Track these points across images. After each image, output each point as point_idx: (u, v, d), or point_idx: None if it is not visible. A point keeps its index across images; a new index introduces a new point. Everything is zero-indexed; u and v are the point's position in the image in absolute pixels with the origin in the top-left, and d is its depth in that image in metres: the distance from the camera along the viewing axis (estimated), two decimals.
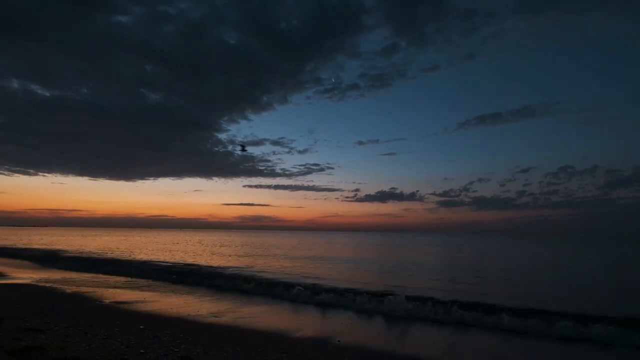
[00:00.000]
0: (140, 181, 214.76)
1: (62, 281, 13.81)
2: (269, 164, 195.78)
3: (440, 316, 9.05)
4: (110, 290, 12.18)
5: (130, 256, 25.52)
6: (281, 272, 17.26)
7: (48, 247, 31.87)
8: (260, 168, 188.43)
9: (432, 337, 7.62)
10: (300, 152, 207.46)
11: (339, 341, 6.85)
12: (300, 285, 12.41)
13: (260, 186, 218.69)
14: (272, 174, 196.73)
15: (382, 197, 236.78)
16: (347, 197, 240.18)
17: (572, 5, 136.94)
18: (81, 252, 27.40)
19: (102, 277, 15.52)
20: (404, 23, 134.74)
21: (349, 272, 18.34)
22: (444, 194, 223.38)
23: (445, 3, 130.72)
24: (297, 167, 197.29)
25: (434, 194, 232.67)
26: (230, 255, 28.05)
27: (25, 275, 15.21)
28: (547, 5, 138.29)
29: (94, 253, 27.13)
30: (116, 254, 26.87)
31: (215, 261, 22.74)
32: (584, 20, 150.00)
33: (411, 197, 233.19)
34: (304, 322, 8.57)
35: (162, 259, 23.81)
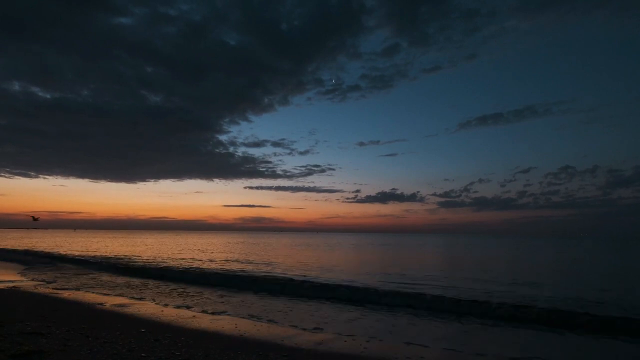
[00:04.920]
0: (141, 183, 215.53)
1: (64, 284, 13.82)
2: (270, 165, 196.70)
3: None
4: (112, 293, 12.17)
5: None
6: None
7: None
8: (261, 169, 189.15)
9: None
10: (301, 153, 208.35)
11: (345, 341, 6.84)
12: None
13: (261, 187, 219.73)
14: (273, 175, 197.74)
15: (382, 198, 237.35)
16: (347, 198, 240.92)
17: (573, 5, 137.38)
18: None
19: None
20: (405, 23, 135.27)
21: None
22: (445, 194, 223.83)
23: (446, 3, 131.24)
24: (298, 168, 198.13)
25: (434, 194, 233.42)
26: None
27: (29, 278, 15.22)
28: (548, 5, 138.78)
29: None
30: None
31: None
32: (585, 20, 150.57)
33: (412, 198, 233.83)
34: None
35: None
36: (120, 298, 11.16)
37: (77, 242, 51.24)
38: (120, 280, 15.59)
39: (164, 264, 21.35)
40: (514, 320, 8.96)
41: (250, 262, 23.76)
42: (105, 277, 16.39)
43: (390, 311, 10.10)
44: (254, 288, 13.43)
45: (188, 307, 9.95)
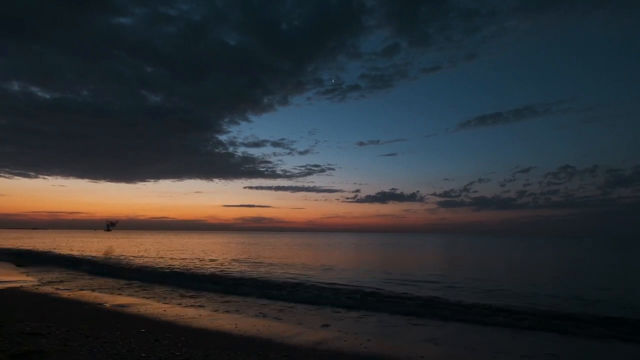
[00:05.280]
0: (141, 183, 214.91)
1: (63, 284, 13.81)
2: (270, 165, 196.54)
3: None
4: (112, 293, 12.16)
5: None
6: None
7: None
8: (261, 169, 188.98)
9: None
10: (300, 153, 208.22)
11: (345, 341, 6.84)
12: None
13: (261, 187, 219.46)
14: (273, 175, 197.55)
15: (382, 197, 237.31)
16: (347, 198, 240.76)
17: (573, 5, 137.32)
18: None
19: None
20: (405, 23, 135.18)
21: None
22: (445, 194, 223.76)
23: (446, 3, 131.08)
24: (298, 168, 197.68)
25: (434, 194, 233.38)
26: None
27: (28, 278, 15.21)
28: (548, 4, 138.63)
29: None
30: None
31: None
32: (584, 20, 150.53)
33: (411, 197, 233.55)
34: None
35: None
36: (121, 298, 11.15)
37: (78, 243, 51.23)
38: (121, 281, 15.59)
39: (166, 265, 21.34)
40: (515, 323, 8.91)
41: (255, 263, 23.75)
42: (105, 278, 16.39)
43: (391, 312, 10.08)
44: (255, 290, 13.39)
45: (188, 308, 9.95)
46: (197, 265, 21.11)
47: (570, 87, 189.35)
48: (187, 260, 24.44)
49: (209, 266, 20.94)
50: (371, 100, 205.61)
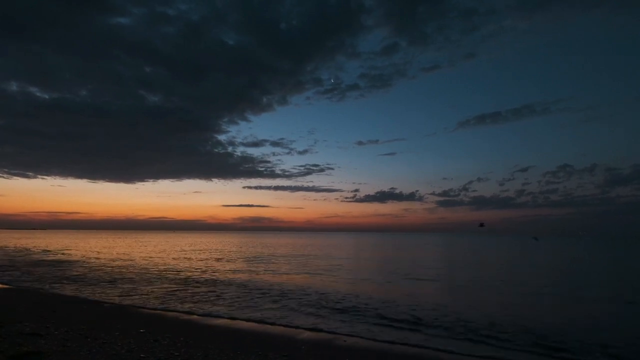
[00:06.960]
0: (140, 183, 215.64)
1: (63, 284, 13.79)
2: (269, 165, 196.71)
3: None
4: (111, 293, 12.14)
5: None
6: None
7: None
8: (260, 169, 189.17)
9: None
10: (300, 152, 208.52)
11: (344, 341, 6.84)
12: None
13: (260, 187, 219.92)
14: (272, 175, 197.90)
15: (381, 197, 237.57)
16: (346, 198, 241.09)
17: (571, 4, 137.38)
18: None
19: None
20: (403, 22, 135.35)
21: None
22: (444, 193, 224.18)
23: (444, 2, 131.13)
24: (297, 167, 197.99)
25: (433, 193, 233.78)
26: None
27: (30, 279, 15.18)
28: (546, 3, 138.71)
29: None
30: None
31: None
32: (583, 19, 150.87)
33: (410, 197, 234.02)
34: None
35: None
36: (120, 299, 11.13)
37: (79, 243, 51.17)
38: (122, 281, 15.56)
39: (170, 268, 21.33)
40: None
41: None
42: (106, 279, 16.35)
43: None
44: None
45: (187, 308, 9.93)
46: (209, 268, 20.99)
47: (569, 86, 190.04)
48: (190, 262, 24.33)
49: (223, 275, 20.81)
50: (370, 100, 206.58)
